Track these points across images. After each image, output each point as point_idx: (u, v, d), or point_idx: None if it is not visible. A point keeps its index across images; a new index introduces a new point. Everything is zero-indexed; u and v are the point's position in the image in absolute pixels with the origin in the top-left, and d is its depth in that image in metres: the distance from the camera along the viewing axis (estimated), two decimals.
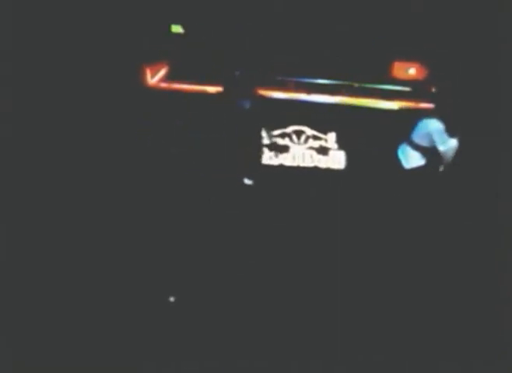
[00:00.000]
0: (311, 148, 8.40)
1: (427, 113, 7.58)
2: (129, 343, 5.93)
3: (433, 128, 7.38)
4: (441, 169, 7.50)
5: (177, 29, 8.39)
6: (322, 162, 8.42)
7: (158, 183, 8.00)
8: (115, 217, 7.55)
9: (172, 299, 6.44)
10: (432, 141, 7.41)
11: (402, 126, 7.87)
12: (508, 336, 5.92)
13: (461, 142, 7.37)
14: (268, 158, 8.45)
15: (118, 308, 6.32)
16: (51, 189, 7.74)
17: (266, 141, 8.33)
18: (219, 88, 8.05)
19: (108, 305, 6.34)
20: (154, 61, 8.48)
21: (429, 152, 7.44)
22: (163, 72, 8.53)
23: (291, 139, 8.41)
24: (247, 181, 7.86)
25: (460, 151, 7.38)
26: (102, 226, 7.40)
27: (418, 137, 7.48)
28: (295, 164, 8.45)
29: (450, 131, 7.32)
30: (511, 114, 7.58)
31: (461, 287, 6.70)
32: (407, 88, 8.32)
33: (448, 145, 7.36)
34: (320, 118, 8.31)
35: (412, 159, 7.55)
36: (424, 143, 7.44)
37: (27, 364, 5.63)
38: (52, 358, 5.68)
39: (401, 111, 8.30)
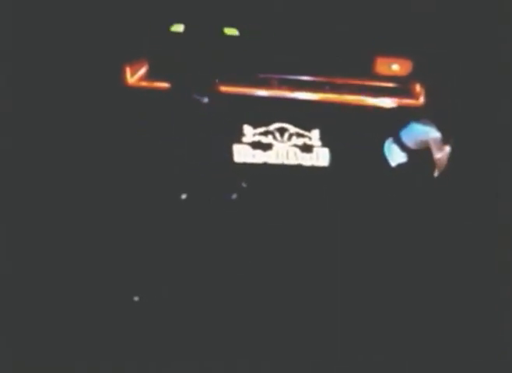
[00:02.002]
0: (295, 145, 8.35)
1: (418, 115, 7.56)
2: (126, 342, 5.85)
3: (431, 137, 7.38)
4: (436, 173, 7.51)
5: (177, 28, 8.27)
6: (306, 159, 8.37)
7: (140, 183, 7.91)
8: (97, 217, 7.46)
9: (136, 299, 6.36)
10: (426, 147, 7.41)
11: (386, 122, 7.87)
12: (508, 336, 5.90)
13: (456, 141, 7.38)
14: (252, 156, 8.39)
15: (113, 308, 6.23)
16: (33, 188, 7.63)
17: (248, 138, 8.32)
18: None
19: (103, 305, 6.25)
20: (134, 59, 8.38)
21: (418, 154, 7.44)
22: (143, 71, 8.43)
23: (274, 137, 8.34)
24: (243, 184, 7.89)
25: (454, 150, 7.39)
26: (82, 226, 7.30)
27: (411, 141, 7.47)
28: (279, 162, 8.39)
29: (443, 135, 7.32)
30: (505, 112, 7.61)
31: (458, 286, 6.70)
32: (390, 84, 8.30)
33: (443, 152, 7.39)
34: (304, 115, 8.26)
35: (398, 158, 7.55)
36: (415, 146, 7.45)
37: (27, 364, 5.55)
38: (52, 358, 5.59)
39: (384, 107, 8.28)
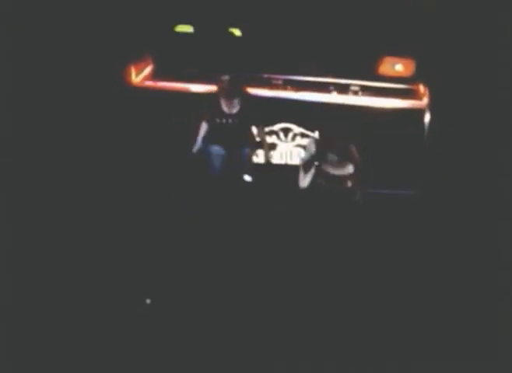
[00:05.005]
0: (299, 145, 8.37)
1: None
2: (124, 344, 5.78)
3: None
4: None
5: (184, 28, 8.31)
6: None
7: (145, 182, 7.92)
8: (96, 217, 7.44)
9: (148, 301, 6.29)
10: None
11: (390, 122, 7.92)
12: (508, 336, 5.87)
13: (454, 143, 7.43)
14: (256, 155, 8.40)
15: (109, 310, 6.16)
16: (30, 188, 7.62)
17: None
18: (205, 87, 8.07)
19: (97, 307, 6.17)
20: (139, 58, 8.42)
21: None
22: (148, 70, 8.46)
23: (278, 137, 8.37)
24: (247, 177, 7.87)
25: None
26: (79, 226, 7.26)
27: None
28: (282, 162, 8.42)
29: None
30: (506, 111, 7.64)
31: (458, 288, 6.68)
32: (394, 85, 8.33)
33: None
34: (308, 116, 8.28)
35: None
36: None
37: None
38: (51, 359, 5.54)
39: (388, 108, 8.31)
